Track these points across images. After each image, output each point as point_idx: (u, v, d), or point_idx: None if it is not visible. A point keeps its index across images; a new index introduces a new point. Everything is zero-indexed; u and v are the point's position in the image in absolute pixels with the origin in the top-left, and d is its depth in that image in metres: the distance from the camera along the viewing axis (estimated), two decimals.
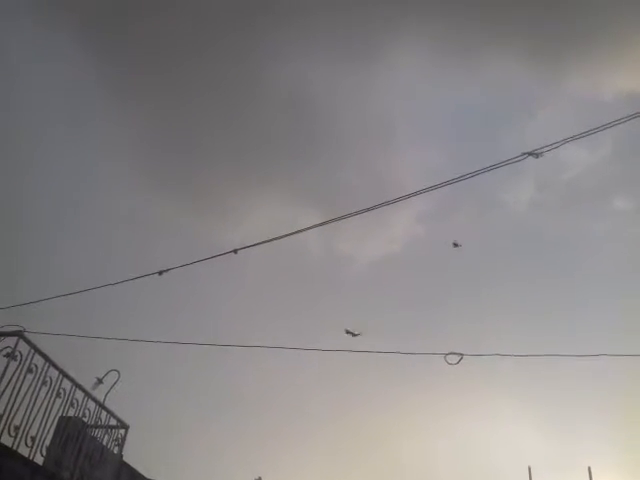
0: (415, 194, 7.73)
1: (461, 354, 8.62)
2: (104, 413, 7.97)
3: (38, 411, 6.47)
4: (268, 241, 8.14)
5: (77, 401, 7.31)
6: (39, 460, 6.48)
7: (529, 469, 18.73)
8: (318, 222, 8.07)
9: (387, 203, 7.83)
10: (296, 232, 8.20)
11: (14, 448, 6.01)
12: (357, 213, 7.81)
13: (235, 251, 7.95)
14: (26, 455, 6.22)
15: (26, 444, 6.22)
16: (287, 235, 8.19)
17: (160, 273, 8.15)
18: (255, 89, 24.55)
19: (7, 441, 5.93)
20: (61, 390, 6.94)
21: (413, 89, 29.36)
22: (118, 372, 8.70)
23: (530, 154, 6.93)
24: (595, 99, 25.14)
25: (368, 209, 7.79)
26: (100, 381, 8.51)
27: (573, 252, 28.06)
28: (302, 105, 25.60)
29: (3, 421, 5.84)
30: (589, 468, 18.47)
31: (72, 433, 7.27)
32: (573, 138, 7.01)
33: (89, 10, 21.26)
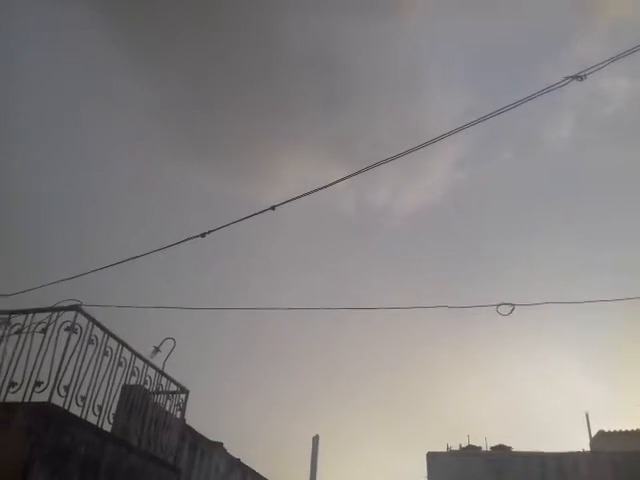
0: (450, 134, 7.37)
1: (513, 304, 8.41)
2: (164, 379, 8.14)
3: (102, 381, 6.63)
4: (305, 195, 7.94)
5: (138, 369, 7.46)
6: (107, 428, 6.67)
7: (586, 415, 18.61)
8: (350, 174, 7.82)
9: (420, 147, 7.42)
10: (331, 184, 7.96)
11: (83, 417, 6.19)
12: (389, 160, 7.48)
13: (273, 207, 7.79)
14: (94, 423, 6.41)
15: (94, 413, 6.40)
16: (323, 187, 7.96)
17: (203, 235, 8.07)
18: (279, 46, 24.10)
19: (76, 411, 6.11)
20: (122, 359, 7.08)
21: (441, 30, 28.31)
22: (174, 340, 8.84)
23: (574, 77, 6.51)
24: (634, 22, 23.74)
25: (399, 155, 7.46)
26: (157, 349, 8.67)
27: (618, 187, 26.97)
28: (328, 58, 25.05)
29: (70, 392, 5.99)
30: None
31: (136, 400, 7.46)
32: (618, 57, 6.55)
33: None
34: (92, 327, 6.54)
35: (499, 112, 7.03)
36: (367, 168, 7.71)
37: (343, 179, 7.95)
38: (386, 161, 7.61)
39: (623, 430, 18.01)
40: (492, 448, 17.61)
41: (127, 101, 24.26)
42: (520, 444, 17.56)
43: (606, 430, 18.10)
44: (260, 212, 7.93)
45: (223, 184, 29.15)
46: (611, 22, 24.49)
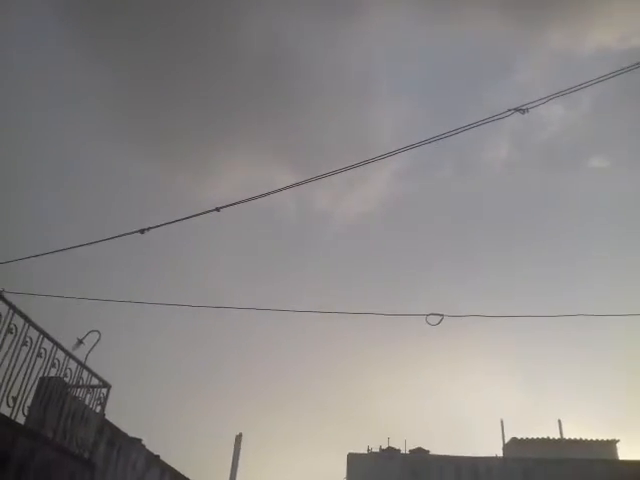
0: (395, 152, 7.59)
1: (442, 315, 8.72)
2: (85, 373, 7.96)
3: (19, 372, 6.42)
4: (251, 199, 8.02)
5: (58, 361, 7.27)
6: (21, 420, 6.46)
7: (501, 422, 19.41)
8: (295, 180, 7.94)
9: (364, 163, 7.66)
10: (277, 190, 8.07)
11: None
12: (333, 173, 7.68)
13: (218, 209, 7.82)
14: (7, 415, 6.20)
15: (7, 404, 6.19)
16: (269, 193, 8.07)
17: (142, 231, 7.97)
18: (230, 46, 23.97)
19: None
20: (42, 350, 6.88)
21: (391, 45, 28.95)
22: (99, 332, 8.66)
23: (517, 110, 6.86)
24: (574, 53, 25.06)
25: (344, 169, 7.63)
26: (81, 341, 8.46)
27: (551, 211, 28.38)
28: (278, 62, 25.14)
29: None
30: (559, 420, 19.25)
31: (54, 393, 7.25)
32: (560, 94, 6.92)
33: None
34: (12, 315, 6.33)
35: (444, 136, 7.28)
36: (313, 179, 7.84)
37: (289, 187, 8.03)
38: (331, 174, 7.77)
39: (535, 437, 18.90)
40: (410, 451, 18.10)
41: (81, 88, 23.45)
42: (438, 448, 18.15)
43: (519, 437, 18.94)
44: (204, 212, 7.93)
45: (166, 176, 28.65)
46: (550, 51, 25.76)
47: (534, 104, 6.90)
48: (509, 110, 6.92)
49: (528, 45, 26.77)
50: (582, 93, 6.99)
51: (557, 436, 18.68)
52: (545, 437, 18.83)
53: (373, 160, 7.71)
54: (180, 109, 24.77)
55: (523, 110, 6.89)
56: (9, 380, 6.23)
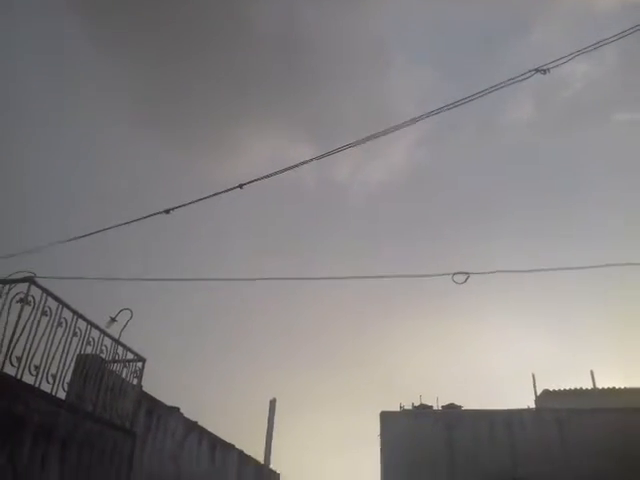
0: (413, 121, 7.64)
1: (467, 273, 8.82)
2: (121, 349, 8.33)
3: (56, 351, 6.77)
4: (272, 175, 8.15)
5: (93, 339, 7.62)
6: (61, 395, 6.86)
7: (533, 375, 19.53)
8: (315, 153, 8.05)
9: (383, 133, 7.75)
10: (298, 165, 8.21)
11: (37, 386, 6.36)
12: (351, 145, 7.75)
13: (241, 186, 7.99)
14: (48, 391, 6.59)
15: (47, 381, 6.57)
16: (290, 168, 8.19)
17: (167, 211, 8.18)
18: (245, 30, 23.79)
19: (29, 380, 6.27)
20: (77, 330, 7.22)
21: (405, 12, 28.27)
22: (130, 310, 9.00)
23: (538, 70, 6.76)
24: (594, 7, 24.14)
25: (364, 139, 7.73)
26: (114, 319, 8.83)
27: (576, 167, 27.81)
28: (293, 37, 24.88)
29: (23, 362, 6.13)
30: (592, 372, 19.28)
31: (91, 369, 7.63)
32: (581, 52, 6.79)
33: None
34: (46, 299, 6.65)
35: (465, 101, 7.26)
36: (332, 152, 7.94)
37: (309, 161, 8.14)
38: (352, 145, 7.86)
39: (566, 389, 19.01)
40: (443, 407, 18.40)
41: (96, 78, 23.67)
42: (470, 403, 18.40)
43: (551, 389, 19.06)
44: (228, 190, 8.11)
45: (188, 159, 28.91)
46: (569, 8, 24.84)
47: (555, 63, 6.79)
48: (530, 71, 6.82)
49: (545, 2, 25.85)
50: (605, 48, 6.83)
51: (590, 387, 18.74)
52: (578, 388, 18.93)
53: (392, 130, 7.75)
54: (198, 91, 24.86)
55: (544, 70, 6.78)
56: (47, 359, 6.60)
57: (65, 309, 6.99)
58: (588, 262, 9.91)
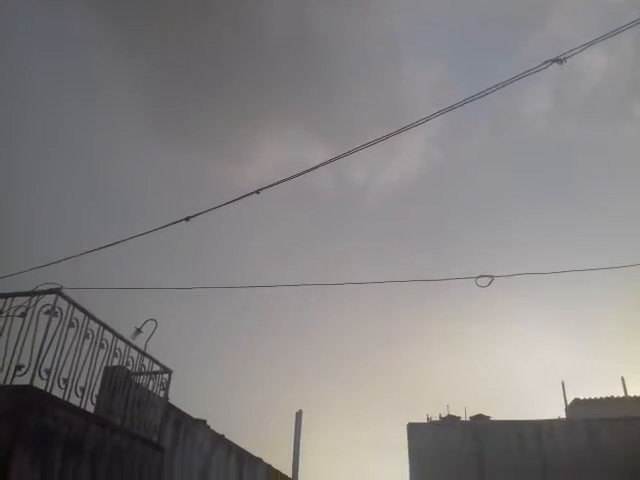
0: (429, 118, 7.45)
1: (492, 276, 8.58)
2: (147, 360, 8.21)
3: (84, 363, 6.68)
4: (289, 179, 8.03)
5: (120, 351, 7.51)
6: (90, 409, 6.74)
7: (562, 384, 19.12)
8: (330, 156, 7.88)
9: (396, 133, 7.53)
10: (313, 168, 8.07)
11: (65, 399, 6.25)
12: (366, 145, 7.58)
13: (258, 191, 7.88)
14: (77, 405, 6.47)
15: (76, 394, 6.46)
16: (305, 172, 8.05)
17: (187, 219, 8.10)
18: (255, 28, 23.82)
19: (58, 393, 6.16)
20: (104, 342, 7.13)
21: (415, 10, 28.14)
22: (155, 321, 8.92)
23: (554, 61, 6.57)
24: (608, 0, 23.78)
25: (378, 139, 7.52)
26: (139, 330, 8.74)
27: (597, 163, 27.33)
28: (304, 39, 24.88)
29: (52, 374, 6.03)
30: (622, 378, 18.82)
31: (118, 381, 7.52)
32: (599, 39, 6.59)
33: None
34: (73, 310, 6.56)
35: (479, 96, 7.07)
36: (347, 153, 7.77)
37: (325, 163, 7.99)
38: (366, 146, 7.68)
39: (597, 397, 18.55)
40: (471, 417, 18.05)
41: (110, 82, 23.85)
42: (499, 413, 18.02)
43: (581, 398, 18.62)
44: (245, 195, 8.00)
45: (204, 164, 29.00)
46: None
47: (572, 52, 6.61)
48: (546, 62, 6.63)
49: None
50: (623, 39, 6.66)
51: (621, 394, 18.28)
52: (609, 396, 18.47)
53: (406, 128, 7.55)
54: (210, 95, 24.94)
55: (561, 60, 6.59)
56: (76, 371, 6.49)
57: (91, 321, 6.89)
58: (615, 263, 9.57)
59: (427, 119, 7.43)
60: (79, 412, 6.41)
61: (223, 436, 11.39)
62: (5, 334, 6.13)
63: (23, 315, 6.16)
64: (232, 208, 8.32)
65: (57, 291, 6.36)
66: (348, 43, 26.18)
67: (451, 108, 7.26)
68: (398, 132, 7.59)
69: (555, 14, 26.63)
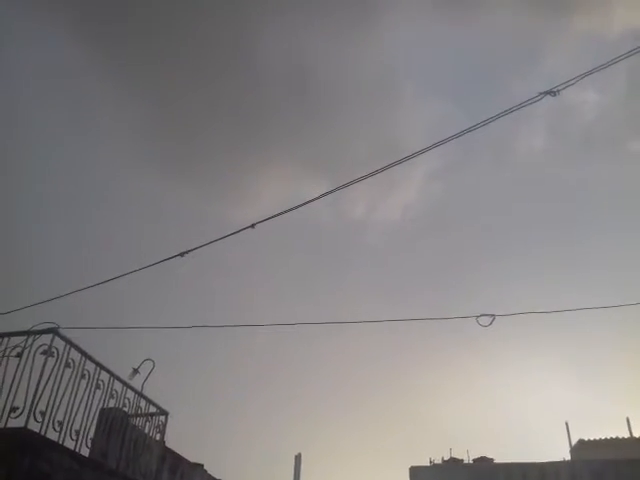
0: (426, 150, 7.49)
1: (493, 315, 8.50)
2: (143, 401, 8.07)
3: (79, 405, 6.55)
4: (285, 212, 8.00)
5: (116, 392, 7.40)
6: (85, 452, 6.59)
7: (566, 424, 18.78)
8: (328, 191, 7.88)
9: (395, 164, 7.53)
10: (309, 202, 8.04)
11: (60, 442, 6.11)
12: (364, 177, 7.58)
13: (253, 225, 7.85)
14: (72, 448, 6.32)
15: (71, 437, 6.32)
16: (300, 205, 8.03)
17: (182, 254, 8.07)
18: (251, 66, 24.24)
19: (53, 436, 6.03)
20: (100, 382, 7.02)
21: (412, 45, 28.73)
22: (152, 361, 8.78)
23: (547, 93, 6.68)
24: (603, 36, 24.35)
25: (376, 172, 7.52)
26: (136, 371, 8.59)
27: (594, 200, 27.49)
28: (301, 76, 25.29)
29: (47, 417, 5.91)
30: (627, 418, 18.51)
31: (114, 423, 7.38)
32: (590, 72, 6.72)
33: (85, 3, 21.12)
34: (69, 350, 6.48)
35: (474, 128, 7.15)
36: (344, 186, 7.78)
37: (320, 197, 7.99)
38: (362, 178, 7.69)
39: (602, 438, 18.21)
40: (474, 460, 17.68)
41: (110, 122, 24.19)
42: (502, 455, 17.67)
43: (586, 439, 18.28)
44: (240, 230, 7.97)
45: (201, 203, 29.15)
46: (578, 37, 25.19)
47: (565, 85, 6.72)
48: (540, 94, 6.75)
49: (554, 31, 26.17)
50: (615, 76, 6.80)
51: (626, 435, 17.96)
52: (614, 437, 18.13)
53: (403, 160, 7.54)
54: (209, 131, 25.22)
55: (554, 92, 6.70)
56: (71, 413, 6.37)
57: (88, 361, 6.80)
58: (615, 302, 9.50)
59: (424, 151, 7.46)
60: (74, 456, 6.26)
61: None
62: (0, 375, 6.03)
63: (19, 355, 6.09)
64: (229, 243, 8.26)
65: (54, 331, 6.30)
66: (344, 75, 26.66)
67: (447, 140, 7.30)
68: (394, 164, 7.59)
69: (550, 51, 27.26)
